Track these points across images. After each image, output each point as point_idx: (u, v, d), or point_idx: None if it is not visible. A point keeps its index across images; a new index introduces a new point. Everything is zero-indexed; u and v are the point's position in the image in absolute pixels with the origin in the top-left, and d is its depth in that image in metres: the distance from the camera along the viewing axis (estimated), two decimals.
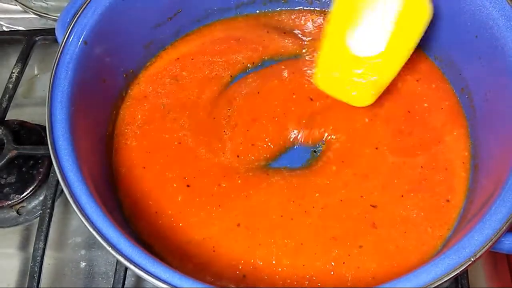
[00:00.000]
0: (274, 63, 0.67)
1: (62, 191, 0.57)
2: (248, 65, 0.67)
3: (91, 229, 0.43)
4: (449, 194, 0.55)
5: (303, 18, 0.71)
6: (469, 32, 0.56)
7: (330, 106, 0.61)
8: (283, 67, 0.65)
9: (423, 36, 0.64)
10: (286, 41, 0.68)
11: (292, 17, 0.71)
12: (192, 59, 0.67)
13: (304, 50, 0.68)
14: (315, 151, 0.59)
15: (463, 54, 0.59)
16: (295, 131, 0.60)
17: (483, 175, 0.53)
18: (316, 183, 0.56)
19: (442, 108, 0.61)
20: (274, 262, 0.51)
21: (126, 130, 0.62)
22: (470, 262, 0.41)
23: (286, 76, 0.64)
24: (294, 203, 0.54)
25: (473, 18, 0.55)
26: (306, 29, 0.70)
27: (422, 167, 0.56)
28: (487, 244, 0.41)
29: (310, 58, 0.66)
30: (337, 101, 0.60)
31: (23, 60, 0.72)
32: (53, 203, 0.59)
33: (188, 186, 0.57)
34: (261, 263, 0.52)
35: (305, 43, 0.68)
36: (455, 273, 0.40)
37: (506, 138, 0.50)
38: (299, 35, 0.69)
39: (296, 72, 0.64)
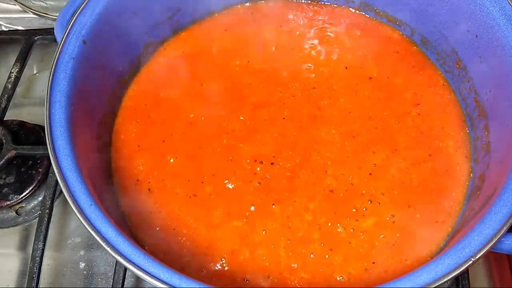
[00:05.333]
0: None
1: (61, 191, 0.57)
2: (251, 62, 0.66)
3: (89, 230, 0.43)
4: (449, 195, 0.54)
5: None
6: (470, 32, 0.56)
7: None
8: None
9: (423, 36, 0.65)
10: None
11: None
12: (192, 57, 0.67)
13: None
14: None
15: (464, 54, 0.59)
16: None
17: (483, 175, 0.53)
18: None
19: (442, 109, 0.61)
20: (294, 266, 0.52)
21: (124, 128, 0.62)
22: (470, 262, 0.41)
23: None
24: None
25: (474, 17, 0.55)
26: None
27: (422, 168, 0.56)
28: (487, 244, 0.41)
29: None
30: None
31: (22, 60, 0.71)
32: (52, 203, 0.59)
33: (188, 180, 0.57)
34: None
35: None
36: (455, 273, 0.40)
37: (506, 138, 0.50)
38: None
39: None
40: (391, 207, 0.54)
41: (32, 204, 0.66)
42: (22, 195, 0.64)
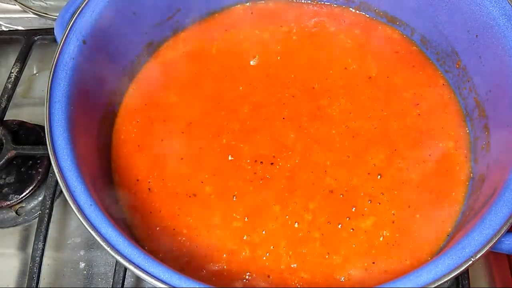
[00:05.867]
0: None
1: (61, 191, 0.57)
2: (251, 62, 0.66)
3: (89, 229, 0.43)
4: (449, 195, 0.55)
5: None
6: (470, 32, 0.56)
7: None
8: None
9: (423, 36, 0.65)
10: None
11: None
12: (192, 57, 0.67)
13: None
14: None
15: (464, 54, 0.59)
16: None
17: (483, 175, 0.53)
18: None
19: (442, 109, 0.61)
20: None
21: (124, 128, 0.62)
22: (470, 262, 0.41)
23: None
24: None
25: (474, 17, 0.55)
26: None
27: (422, 168, 0.56)
28: (487, 244, 0.41)
29: None
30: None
31: (22, 60, 0.71)
32: (52, 203, 0.59)
33: (188, 180, 0.57)
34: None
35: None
36: (455, 273, 0.40)
37: (506, 138, 0.50)
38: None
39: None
40: (391, 207, 0.54)
41: (32, 204, 0.66)
42: (22, 195, 0.64)
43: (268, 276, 0.51)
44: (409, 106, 0.61)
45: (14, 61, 0.71)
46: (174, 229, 0.54)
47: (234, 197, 0.56)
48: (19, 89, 0.73)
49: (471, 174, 0.56)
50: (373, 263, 0.51)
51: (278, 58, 0.66)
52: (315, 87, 0.63)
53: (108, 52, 0.59)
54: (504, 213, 0.43)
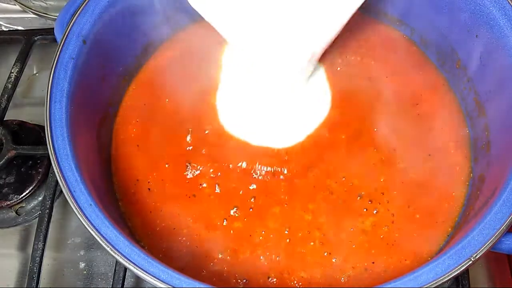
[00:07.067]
0: None
1: (61, 191, 0.56)
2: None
3: (89, 229, 0.43)
4: (449, 195, 0.55)
5: None
6: (470, 32, 0.56)
7: None
8: None
9: (423, 36, 0.64)
10: None
11: None
12: (192, 57, 0.67)
13: None
14: None
15: (464, 54, 0.59)
16: None
17: (483, 175, 0.53)
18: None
19: (442, 109, 0.61)
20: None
21: (124, 128, 0.62)
22: (470, 262, 0.41)
23: None
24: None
25: (473, 17, 0.55)
26: None
27: (422, 168, 0.56)
28: (487, 244, 0.41)
29: None
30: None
31: (22, 60, 0.71)
32: (52, 203, 0.59)
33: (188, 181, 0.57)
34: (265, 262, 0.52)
35: None
36: (455, 273, 0.40)
37: (506, 139, 0.50)
38: None
39: None
40: (391, 207, 0.54)
41: (32, 204, 0.66)
42: (22, 195, 0.64)
43: (268, 277, 0.51)
44: (409, 106, 0.61)
45: (14, 61, 0.71)
46: (174, 229, 0.54)
47: (234, 197, 0.56)
48: (19, 89, 0.73)
49: (471, 174, 0.56)
50: (373, 263, 0.51)
51: None
52: None
53: (108, 52, 0.59)
54: (504, 213, 0.43)
